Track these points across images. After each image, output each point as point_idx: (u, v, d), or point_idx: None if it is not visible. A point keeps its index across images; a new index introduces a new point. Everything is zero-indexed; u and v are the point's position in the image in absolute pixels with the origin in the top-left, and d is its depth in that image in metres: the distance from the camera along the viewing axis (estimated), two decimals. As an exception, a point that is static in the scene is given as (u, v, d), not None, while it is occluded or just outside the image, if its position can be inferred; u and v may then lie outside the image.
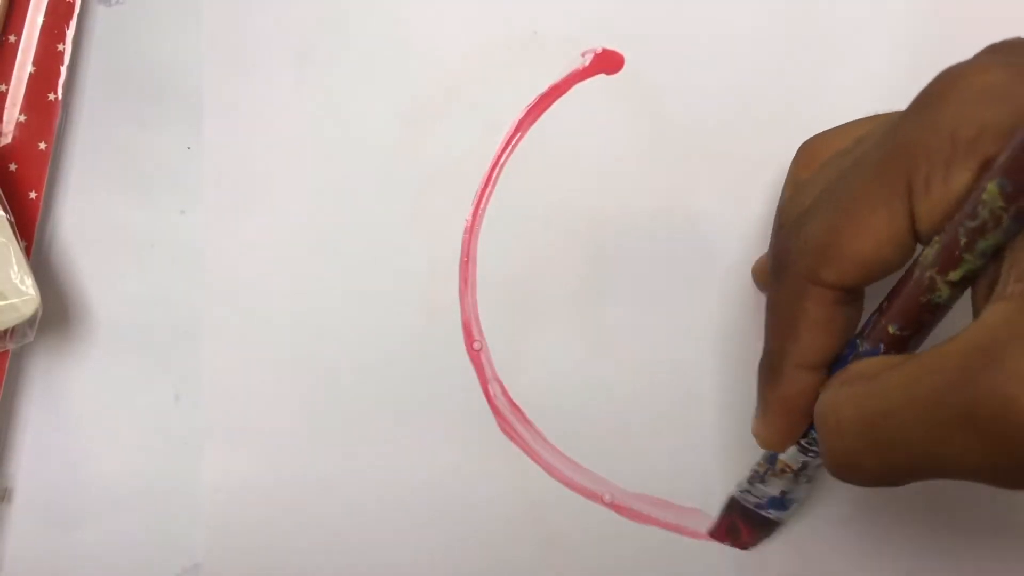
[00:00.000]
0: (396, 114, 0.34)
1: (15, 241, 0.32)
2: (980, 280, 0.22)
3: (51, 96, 0.34)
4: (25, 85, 0.34)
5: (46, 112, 0.34)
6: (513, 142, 0.34)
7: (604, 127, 0.34)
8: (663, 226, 0.34)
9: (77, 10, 0.35)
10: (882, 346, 0.24)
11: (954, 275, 0.22)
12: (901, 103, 0.33)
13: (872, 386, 0.21)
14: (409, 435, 0.33)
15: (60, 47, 0.35)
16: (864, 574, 0.32)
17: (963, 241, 0.21)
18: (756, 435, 0.27)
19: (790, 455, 0.28)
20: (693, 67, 0.34)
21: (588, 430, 0.33)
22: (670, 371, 0.33)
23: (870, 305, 0.25)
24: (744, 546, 0.32)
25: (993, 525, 0.32)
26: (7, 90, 0.34)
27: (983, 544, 0.32)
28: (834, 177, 0.24)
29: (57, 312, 0.34)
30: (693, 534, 0.33)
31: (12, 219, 0.32)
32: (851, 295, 0.24)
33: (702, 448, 0.33)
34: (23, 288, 0.32)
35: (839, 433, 0.22)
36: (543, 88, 0.34)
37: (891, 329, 0.23)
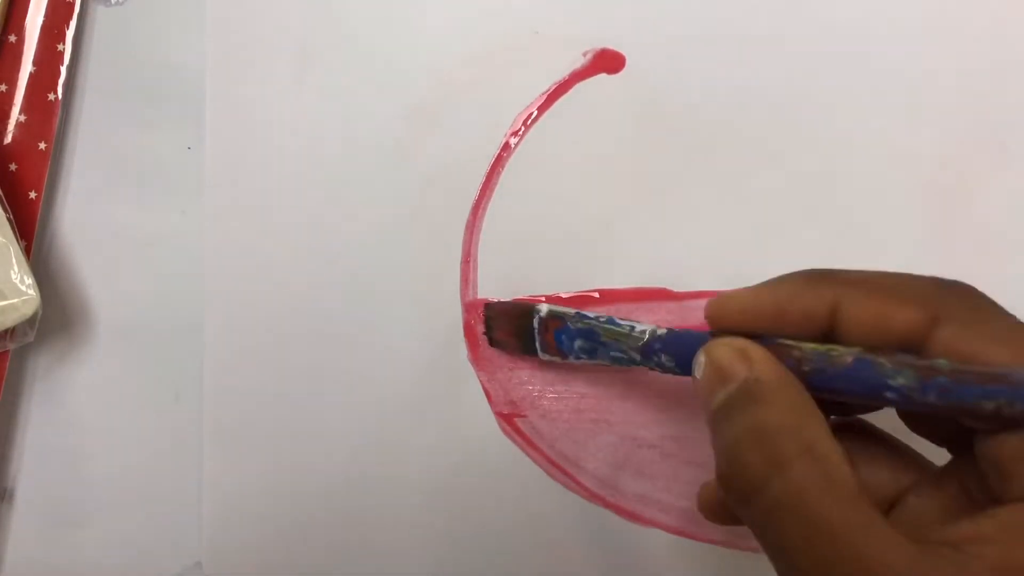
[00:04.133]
0: (396, 114, 0.34)
1: (15, 241, 0.32)
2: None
3: (51, 96, 0.34)
4: (25, 85, 0.34)
5: (46, 112, 0.34)
6: (514, 142, 0.34)
7: (605, 127, 0.34)
8: (663, 226, 0.34)
9: (77, 10, 0.35)
10: None
11: None
12: (900, 102, 0.33)
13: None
14: (409, 435, 0.33)
15: (60, 47, 0.35)
16: None
17: None
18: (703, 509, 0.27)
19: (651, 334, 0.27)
20: (694, 67, 0.34)
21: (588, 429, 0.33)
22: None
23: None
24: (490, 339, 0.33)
25: None
26: (7, 90, 0.34)
27: None
28: None
29: (57, 312, 0.34)
30: (693, 535, 0.33)
31: (12, 219, 0.32)
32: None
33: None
34: (23, 288, 0.32)
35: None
36: (544, 87, 0.34)
37: None
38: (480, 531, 0.33)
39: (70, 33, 0.35)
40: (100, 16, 0.35)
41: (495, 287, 0.34)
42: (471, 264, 0.34)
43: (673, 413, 0.33)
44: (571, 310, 0.30)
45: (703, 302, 0.33)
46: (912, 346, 0.22)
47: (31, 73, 0.34)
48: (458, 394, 0.33)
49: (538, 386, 0.33)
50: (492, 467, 0.33)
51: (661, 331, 0.27)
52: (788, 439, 0.21)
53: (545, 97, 0.34)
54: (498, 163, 0.34)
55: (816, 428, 0.22)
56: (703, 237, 0.33)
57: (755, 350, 0.23)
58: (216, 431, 0.34)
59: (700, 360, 0.24)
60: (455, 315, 0.34)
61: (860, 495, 0.20)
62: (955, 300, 0.22)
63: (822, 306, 0.23)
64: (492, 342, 0.33)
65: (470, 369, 0.33)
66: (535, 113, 0.34)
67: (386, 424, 0.34)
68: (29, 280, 0.32)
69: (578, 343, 0.30)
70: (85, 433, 0.34)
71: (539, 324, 0.31)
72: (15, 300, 0.31)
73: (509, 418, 0.33)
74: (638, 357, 0.28)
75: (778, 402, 0.22)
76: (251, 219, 0.34)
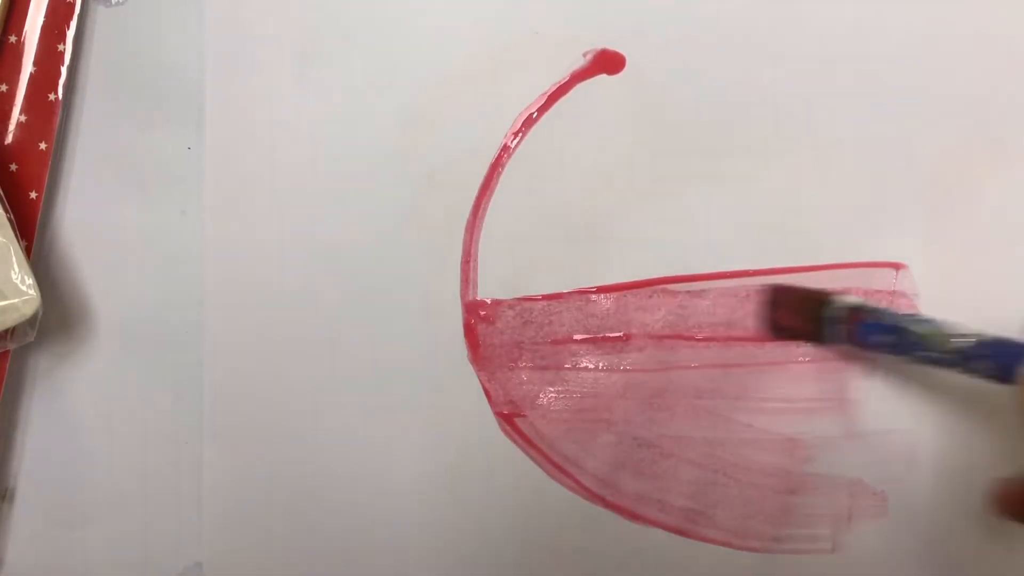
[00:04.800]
0: (397, 114, 0.34)
1: (15, 241, 0.32)
2: None
3: (51, 96, 0.34)
4: (26, 85, 0.34)
5: (46, 112, 0.34)
6: (514, 142, 0.34)
7: (605, 127, 0.34)
8: (663, 226, 0.34)
9: (77, 10, 0.35)
10: None
11: None
12: (900, 101, 0.33)
13: None
14: (409, 435, 0.33)
15: (60, 47, 0.35)
16: None
17: None
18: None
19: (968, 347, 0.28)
20: (694, 67, 0.34)
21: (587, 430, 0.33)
22: (670, 371, 0.33)
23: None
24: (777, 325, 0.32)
25: None
26: (8, 90, 0.34)
27: None
28: None
29: (58, 312, 0.34)
30: (693, 535, 0.33)
31: (12, 219, 0.32)
32: None
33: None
34: (24, 288, 0.32)
35: None
36: (544, 88, 0.34)
37: None
38: (480, 531, 0.33)
39: (70, 33, 0.35)
40: (100, 16, 0.35)
41: (495, 287, 0.34)
42: (471, 264, 0.34)
43: (673, 413, 0.33)
44: (880, 305, 0.31)
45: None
46: None
47: (31, 73, 0.34)
48: (458, 394, 0.33)
49: (538, 386, 0.33)
50: (492, 467, 0.33)
51: (987, 337, 0.27)
52: None
53: (545, 98, 0.34)
54: (498, 163, 0.34)
55: None
56: (703, 237, 0.33)
57: None
58: (216, 431, 0.34)
59: None
60: (455, 315, 0.34)
61: None
62: None
63: None
64: (772, 325, 0.33)
65: (470, 369, 0.33)
66: (535, 113, 0.34)
67: (386, 424, 0.34)
68: (29, 280, 0.32)
69: (884, 338, 0.30)
70: (85, 433, 0.34)
71: (839, 313, 0.31)
72: (15, 300, 0.32)
73: (509, 418, 0.33)
74: (950, 359, 0.28)
75: None
76: (251, 219, 0.34)
